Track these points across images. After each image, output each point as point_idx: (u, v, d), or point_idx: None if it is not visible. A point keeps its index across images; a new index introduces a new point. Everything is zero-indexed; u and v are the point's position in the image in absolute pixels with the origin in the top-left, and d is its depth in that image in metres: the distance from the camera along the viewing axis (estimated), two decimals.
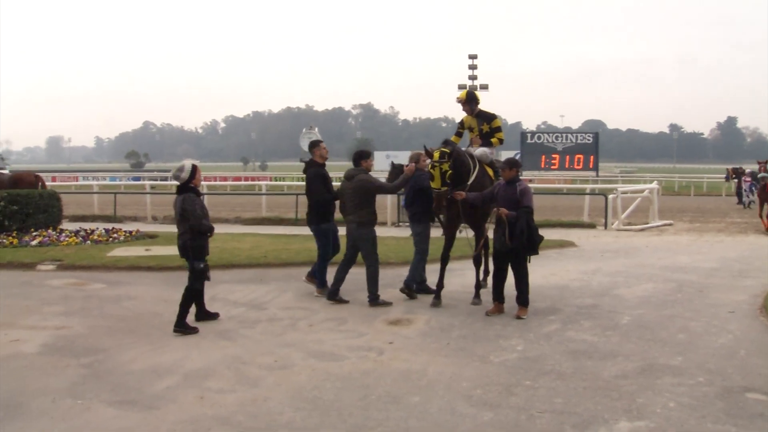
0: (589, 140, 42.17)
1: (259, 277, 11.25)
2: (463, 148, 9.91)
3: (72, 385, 6.35)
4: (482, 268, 10.05)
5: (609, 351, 7.27)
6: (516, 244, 8.55)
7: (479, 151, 9.94)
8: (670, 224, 20.84)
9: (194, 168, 8.49)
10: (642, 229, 19.47)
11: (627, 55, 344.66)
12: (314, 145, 10.28)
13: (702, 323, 8.40)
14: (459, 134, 10.43)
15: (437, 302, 9.35)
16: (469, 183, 9.36)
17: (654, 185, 23.65)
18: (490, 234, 9.39)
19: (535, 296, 9.71)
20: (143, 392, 6.14)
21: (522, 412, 5.58)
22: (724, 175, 36.84)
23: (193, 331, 8.17)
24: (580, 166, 44.62)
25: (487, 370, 6.69)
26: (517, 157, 46.13)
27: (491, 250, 9.48)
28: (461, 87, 49.21)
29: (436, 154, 8.99)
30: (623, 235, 18.17)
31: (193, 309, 8.49)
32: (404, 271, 10.91)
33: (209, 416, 5.56)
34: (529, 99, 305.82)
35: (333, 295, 9.56)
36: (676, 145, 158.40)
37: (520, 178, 9.27)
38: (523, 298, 8.80)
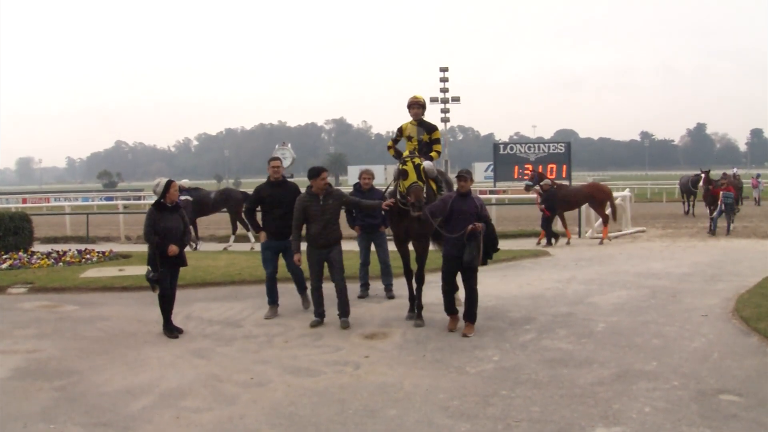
0: (561, 150, 42.26)
1: (234, 294, 11.19)
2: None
3: (45, 409, 6.26)
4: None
5: (585, 358, 7.32)
6: (485, 257, 8.61)
7: (426, 164, 9.40)
8: (643, 231, 21.03)
9: (168, 184, 8.80)
10: (615, 237, 19.62)
11: (604, 64, 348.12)
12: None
13: (676, 328, 8.48)
14: (396, 141, 10.00)
15: (412, 315, 9.33)
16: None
17: (626, 192, 23.92)
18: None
19: (510, 306, 9.80)
20: (118, 413, 6.09)
21: (499, 422, 5.60)
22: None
23: (178, 331, 8.76)
24: (553, 176, 44.52)
25: (463, 381, 6.70)
26: (490, 169, 46.35)
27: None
28: (433, 100, 49.42)
29: (406, 152, 8.84)
30: (597, 243, 18.30)
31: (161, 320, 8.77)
32: (378, 284, 10.96)
33: None
34: (501, 110, 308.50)
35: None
36: (648, 153, 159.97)
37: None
38: (471, 314, 8.57)
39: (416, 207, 8.63)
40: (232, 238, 19.73)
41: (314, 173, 9.00)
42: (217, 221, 27.72)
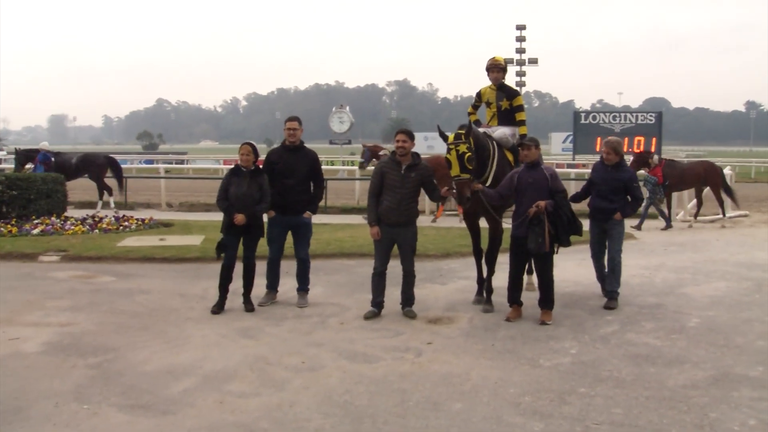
0: (651, 120, 41.43)
1: (286, 269, 11.28)
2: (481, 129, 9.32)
3: (78, 387, 6.39)
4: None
5: (675, 357, 7.18)
6: (564, 238, 8.40)
7: (498, 133, 9.40)
8: (745, 215, 20.51)
9: (241, 147, 9.07)
10: (712, 221, 19.20)
11: (713, 22, 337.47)
12: None
13: None
14: (476, 107, 9.88)
15: (480, 299, 9.31)
16: (491, 173, 8.92)
17: (727, 171, 23.27)
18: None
19: (589, 294, 9.70)
20: (157, 395, 6.19)
21: (577, 424, 5.53)
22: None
23: (250, 309, 9.13)
24: (641, 150, 43.92)
25: (537, 375, 6.65)
26: (569, 140, 45.61)
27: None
28: (507, 61, 48.94)
29: (451, 136, 8.45)
30: (690, 227, 17.94)
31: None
32: (443, 264, 10.92)
33: (230, 422, 5.59)
34: (584, 75, 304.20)
35: None
36: (753, 126, 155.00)
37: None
38: (548, 300, 8.54)
39: (462, 201, 8.47)
40: (100, 203, 20.57)
41: (396, 133, 8.96)
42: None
